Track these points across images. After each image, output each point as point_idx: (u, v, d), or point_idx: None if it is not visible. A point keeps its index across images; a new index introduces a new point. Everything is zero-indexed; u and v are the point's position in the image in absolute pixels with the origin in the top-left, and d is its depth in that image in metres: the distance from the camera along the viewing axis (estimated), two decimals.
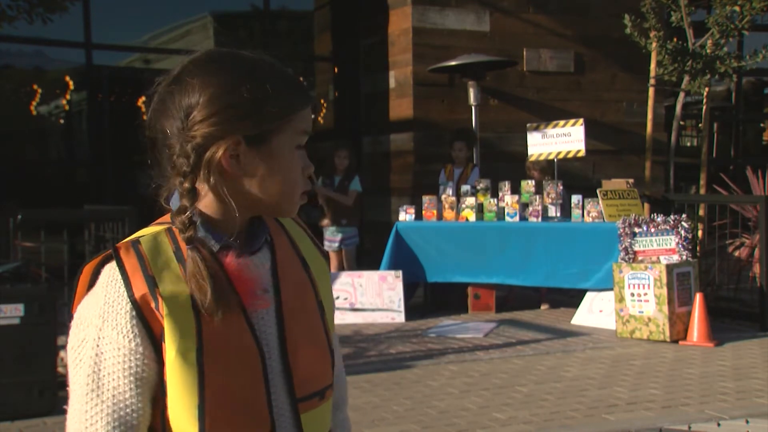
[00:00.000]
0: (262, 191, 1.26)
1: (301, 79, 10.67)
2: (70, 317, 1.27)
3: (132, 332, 1.20)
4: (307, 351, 1.31)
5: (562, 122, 7.71)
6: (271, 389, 1.26)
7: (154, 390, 1.23)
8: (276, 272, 1.31)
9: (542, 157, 7.80)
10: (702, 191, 8.85)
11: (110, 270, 1.23)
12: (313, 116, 1.33)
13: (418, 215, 7.82)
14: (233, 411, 1.22)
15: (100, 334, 1.21)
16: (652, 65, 8.71)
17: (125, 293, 1.20)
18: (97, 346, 1.21)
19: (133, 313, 1.20)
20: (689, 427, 4.38)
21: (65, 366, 5.15)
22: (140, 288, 1.20)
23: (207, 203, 1.27)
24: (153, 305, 1.20)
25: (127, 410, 1.20)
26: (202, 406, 1.20)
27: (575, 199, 7.49)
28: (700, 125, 11.10)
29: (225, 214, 1.27)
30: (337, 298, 7.10)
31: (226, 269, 1.24)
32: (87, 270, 1.27)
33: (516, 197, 7.56)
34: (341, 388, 1.49)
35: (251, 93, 1.22)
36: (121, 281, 1.21)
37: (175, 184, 1.25)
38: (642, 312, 6.45)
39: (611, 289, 6.73)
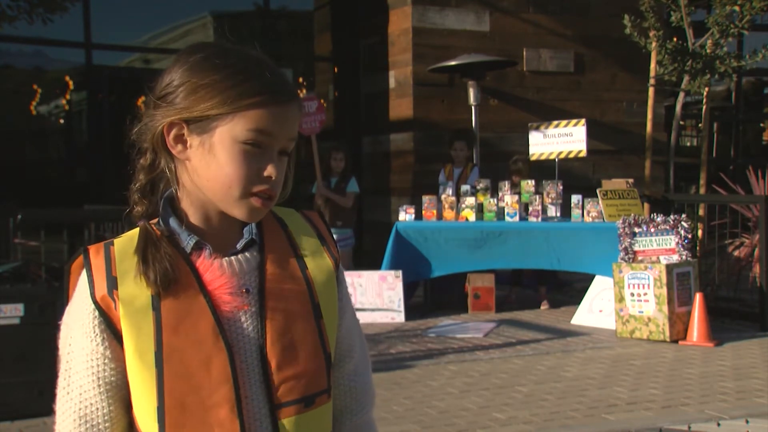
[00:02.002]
0: (205, 184, 1.24)
1: (301, 79, 10.75)
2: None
3: (94, 332, 1.22)
4: (292, 355, 1.25)
5: (563, 122, 7.72)
6: (246, 393, 1.23)
7: (126, 395, 1.23)
8: (263, 273, 1.28)
9: (543, 157, 7.80)
10: (702, 191, 8.85)
11: (83, 271, 1.25)
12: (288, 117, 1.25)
13: (418, 215, 7.82)
14: (195, 415, 1.20)
15: (70, 333, 1.24)
16: (652, 65, 8.71)
17: (89, 295, 1.22)
18: (69, 345, 1.24)
19: (96, 314, 1.22)
20: (689, 427, 4.38)
21: None
22: (101, 289, 1.22)
23: (184, 204, 1.28)
24: (113, 306, 1.21)
25: (92, 409, 1.22)
26: (162, 408, 1.19)
27: (575, 199, 7.49)
28: (700, 125, 11.10)
29: (198, 211, 1.28)
30: None
31: (197, 269, 1.24)
32: (74, 269, 1.28)
33: (516, 197, 7.56)
34: (356, 395, 1.42)
35: (199, 78, 1.22)
36: (87, 282, 1.23)
37: (140, 163, 1.29)
38: (642, 312, 6.45)
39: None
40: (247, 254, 1.28)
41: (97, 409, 1.22)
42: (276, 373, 1.24)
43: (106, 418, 1.23)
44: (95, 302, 1.21)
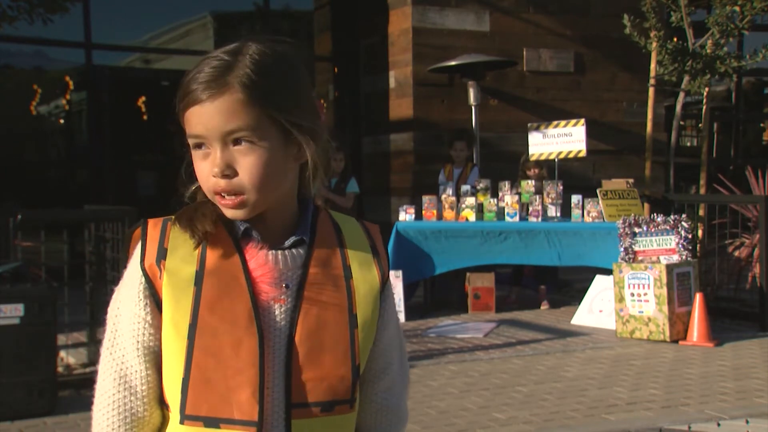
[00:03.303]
0: None
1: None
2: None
3: (138, 298, 1.27)
4: (319, 357, 1.26)
5: (563, 122, 7.71)
6: (268, 384, 1.24)
7: (160, 361, 1.28)
8: (305, 273, 1.30)
9: (543, 157, 7.80)
10: (702, 191, 8.85)
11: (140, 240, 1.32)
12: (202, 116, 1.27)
13: (418, 215, 7.82)
14: (217, 392, 1.22)
15: (120, 298, 1.30)
16: (652, 65, 8.71)
17: (139, 262, 1.28)
18: (118, 308, 1.30)
19: (143, 280, 1.27)
20: (689, 427, 4.38)
21: (65, 366, 5.13)
22: (150, 258, 1.27)
23: None
24: (158, 275, 1.26)
25: (131, 371, 1.28)
26: (187, 380, 1.23)
27: (575, 199, 7.48)
28: (700, 125, 11.10)
29: None
30: None
31: (244, 254, 1.28)
32: (135, 237, 1.33)
33: (516, 197, 7.56)
34: (387, 414, 1.40)
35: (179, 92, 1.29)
36: (139, 251, 1.29)
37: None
38: (642, 312, 6.45)
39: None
40: (294, 251, 1.31)
41: (136, 371, 1.27)
42: (299, 371, 1.26)
43: (143, 381, 1.27)
44: (143, 269, 1.27)
